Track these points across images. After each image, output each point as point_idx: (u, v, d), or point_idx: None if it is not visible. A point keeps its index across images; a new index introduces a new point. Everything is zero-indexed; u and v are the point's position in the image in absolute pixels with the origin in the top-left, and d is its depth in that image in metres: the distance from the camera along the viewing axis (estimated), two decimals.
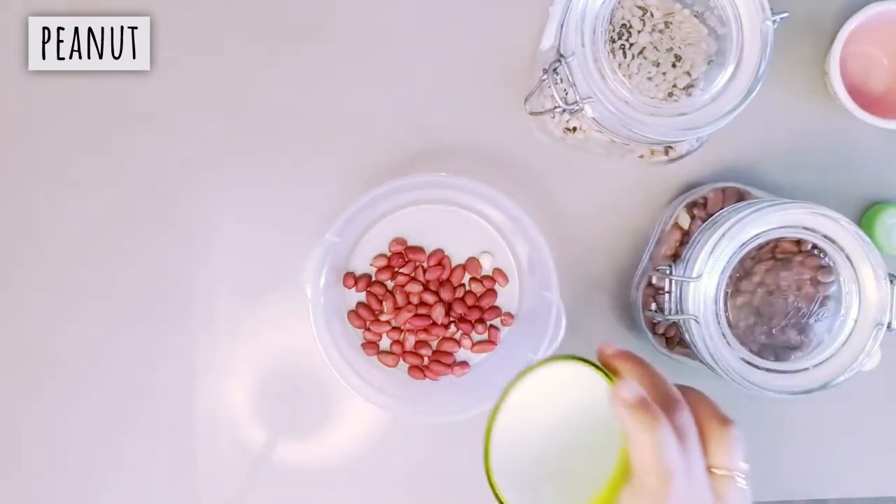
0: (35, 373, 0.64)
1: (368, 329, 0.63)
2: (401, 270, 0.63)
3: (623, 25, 0.56)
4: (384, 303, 0.63)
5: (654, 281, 0.60)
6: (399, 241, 0.63)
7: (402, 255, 0.63)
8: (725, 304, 0.54)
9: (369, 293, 0.63)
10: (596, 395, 0.40)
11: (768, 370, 0.54)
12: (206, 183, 0.64)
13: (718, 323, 0.53)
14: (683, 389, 0.42)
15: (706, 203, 0.61)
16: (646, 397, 0.39)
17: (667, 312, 0.54)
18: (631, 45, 0.55)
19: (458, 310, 0.63)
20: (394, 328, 0.64)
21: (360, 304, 0.64)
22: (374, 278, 0.64)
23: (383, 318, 0.63)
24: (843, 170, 0.65)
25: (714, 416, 0.41)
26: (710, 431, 0.40)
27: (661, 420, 0.38)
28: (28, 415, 0.64)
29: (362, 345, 0.63)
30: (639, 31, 0.56)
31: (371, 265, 0.64)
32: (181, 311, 0.64)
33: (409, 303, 0.63)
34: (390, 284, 0.64)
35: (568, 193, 0.65)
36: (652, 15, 0.56)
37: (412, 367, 0.63)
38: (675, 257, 0.60)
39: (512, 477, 0.40)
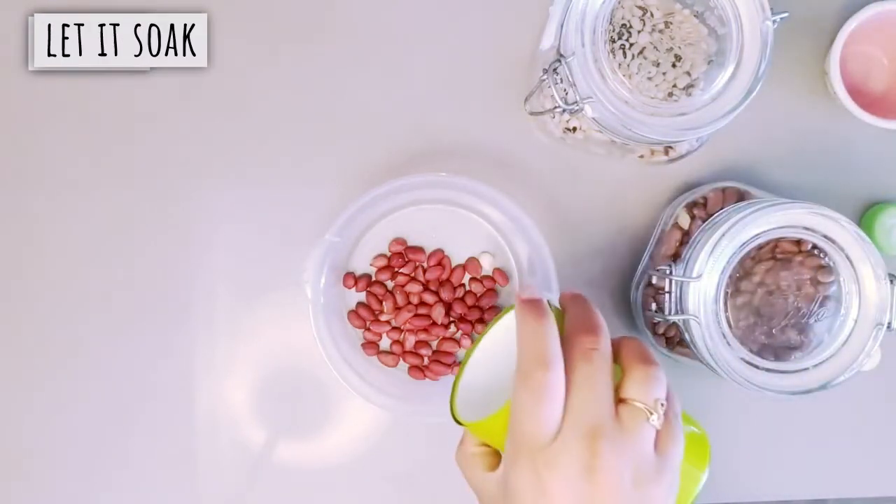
0: (35, 372, 0.64)
1: (368, 329, 0.63)
2: (401, 270, 0.63)
3: (623, 25, 0.56)
4: (384, 303, 0.63)
5: (654, 281, 0.60)
6: (399, 241, 0.63)
7: (402, 255, 0.63)
8: (725, 304, 0.54)
9: (369, 293, 0.63)
10: None
11: (768, 370, 0.54)
12: (205, 183, 0.64)
13: (718, 323, 0.53)
14: (622, 337, 0.44)
15: (706, 203, 0.61)
16: (541, 299, 0.43)
17: (667, 312, 0.54)
18: (631, 45, 0.55)
19: (458, 310, 0.63)
20: (394, 328, 0.64)
21: (360, 304, 0.64)
22: (374, 278, 0.64)
23: (383, 318, 0.63)
24: (843, 170, 0.65)
25: (638, 356, 0.42)
26: (631, 367, 0.41)
27: (546, 315, 0.42)
28: (28, 415, 0.64)
29: (362, 345, 0.63)
30: (639, 31, 0.56)
31: (371, 265, 0.64)
32: (181, 311, 0.64)
33: (409, 303, 0.63)
34: (390, 284, 0.64)
35: (568, 193, 0.65)
36: (652, 15, 0.56)
37: (412, 367, 0.63)
38: (675, 257, 0.60)
39: (473, 404, 0.46)
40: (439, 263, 0.63)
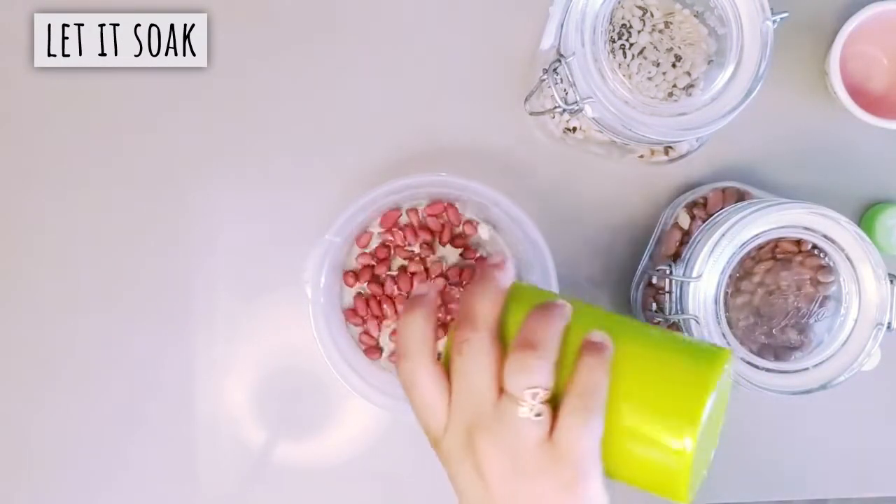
0: (35, 373, 0.64)
1: (368, 333, 0.63)
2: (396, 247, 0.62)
3: (623, 25, 0.56)
4: (384, 306, 0.63)
5: (654, 281, 0.60)
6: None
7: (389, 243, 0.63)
8: (725, 304, 0.54)
9: (358, 297, 0.62)
10: None
11: (768, 370, 0.54)
12: (206, 183, 0.64)
13: (718, 323, 0.53)
14: (541, 307, 0.40)
15: (706, 203, 0.61)
16: (424, 294, 0.42)
17: (667, 312, 0.54)
18: (631, 45, 0.56)
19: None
20: (394, 331, 0.63)
21: (352, 307, 0.63)
22: (365, 267, 0.63)
23: (386, 324, 0.63)
24: (843, 170, 0.65)
25: (519, 340, 0.39)
26: (509, 353, 0.39)
27: (414, 308, 0.41)
28: (28, 416, 0.64)
29: (365, 350, 0.63)
30: (639, 31, 0.56)
31: (357, 260, 0.63)
32: (181, 311, 0.64)
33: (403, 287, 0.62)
34: (398, 262, 0.63)
35: (568, 193, 0.65)
36: (652, 15, 0.56)
37: None
38: (675, 257, 0.60)
39: None
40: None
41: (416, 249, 0.63)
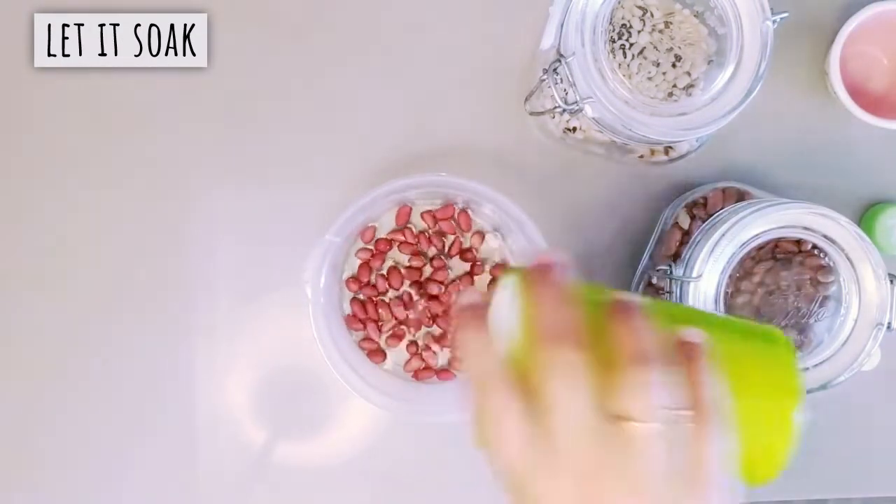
0: (34, 373, 0.64)
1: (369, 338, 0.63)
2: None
3: (623, 25, 0.56)
4: (380, 311, 0.63)
5: (654, 281, 0.60)
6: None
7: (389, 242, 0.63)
8: (726, 304, 0.54)
9: (354, 300, 0.62)
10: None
11: None
12: (206, 183, 0.64)
13: None
14: (621, 308, 0.34)
15: (706, 203, 0.61)
16: (470, 305, 0.35)
17: None
18: (631, 45, 0.56)
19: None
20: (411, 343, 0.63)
21: (351, 311, 0.63)
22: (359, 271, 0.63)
23: (385, 327, 0.63)
24: (843, 170, 0.65)
25: (628, 352, 0.32)
26: (621, 370, 0.32)
27: (471, 329, 0.34)
28: (28, 416, 0.64)
29: (368, 354, 0.63)
30: (639, 31, 0.56)
31: (356, 256, 0.63)
32: (182, 311, 0.64)
33: (401, 297, 0.62)
34: (393, 259, 0.63)
35: (568, 193, 0.65)
36: (652, 15, 0.56)
37: (418, 370, 0.63)
38: (676, 257, 0.60)
39: None
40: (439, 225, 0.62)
41: (431, 253, 0.63)
